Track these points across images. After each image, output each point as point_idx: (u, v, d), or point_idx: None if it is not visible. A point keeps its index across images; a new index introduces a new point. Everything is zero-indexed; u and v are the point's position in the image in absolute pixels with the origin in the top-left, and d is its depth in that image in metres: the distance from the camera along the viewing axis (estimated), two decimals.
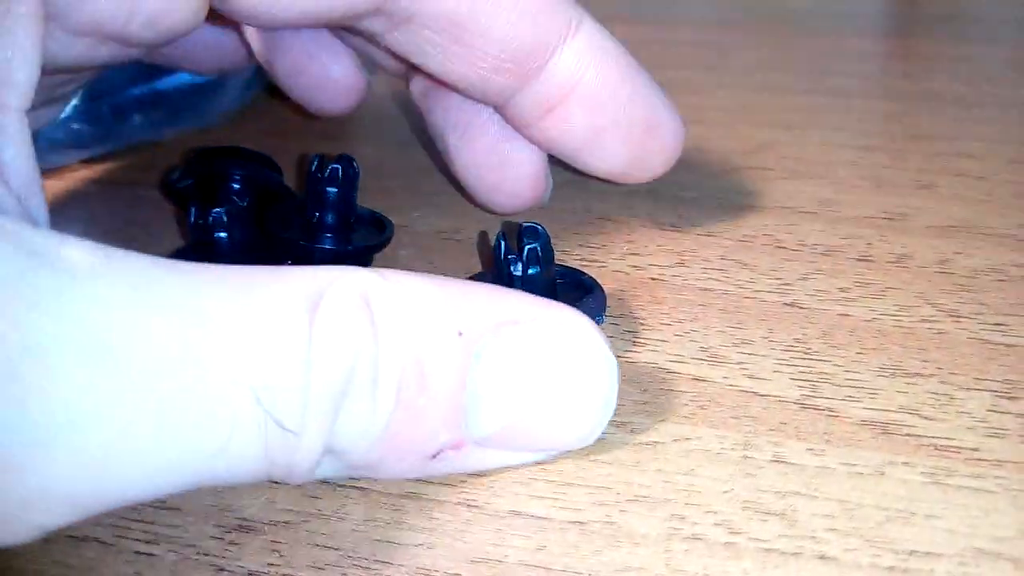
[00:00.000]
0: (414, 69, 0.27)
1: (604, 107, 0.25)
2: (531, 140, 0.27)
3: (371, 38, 0.25)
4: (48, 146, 0.33)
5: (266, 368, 0.16)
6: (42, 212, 0.21)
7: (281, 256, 0.26)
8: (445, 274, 0.26)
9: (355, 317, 0.17)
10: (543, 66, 0.24)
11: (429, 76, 0.26)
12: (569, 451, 0.20)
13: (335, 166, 0.26)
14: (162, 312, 0.16)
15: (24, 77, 0.20)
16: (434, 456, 0.19)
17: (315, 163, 0.26)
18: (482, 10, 0.23)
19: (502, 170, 0.27)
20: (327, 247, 0.26)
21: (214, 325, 0.16)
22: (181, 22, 0.22)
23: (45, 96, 0.24)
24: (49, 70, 0.21)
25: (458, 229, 0.29)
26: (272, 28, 0.24)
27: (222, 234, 0.26)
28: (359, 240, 0.27)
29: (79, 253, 0.16)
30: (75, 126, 0.32)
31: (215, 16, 0.24)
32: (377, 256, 0.27)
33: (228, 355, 0.16)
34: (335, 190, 0.26)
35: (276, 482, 0.18)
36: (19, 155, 0.20)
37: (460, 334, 0.18)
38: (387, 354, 0.17)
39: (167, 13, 0.22)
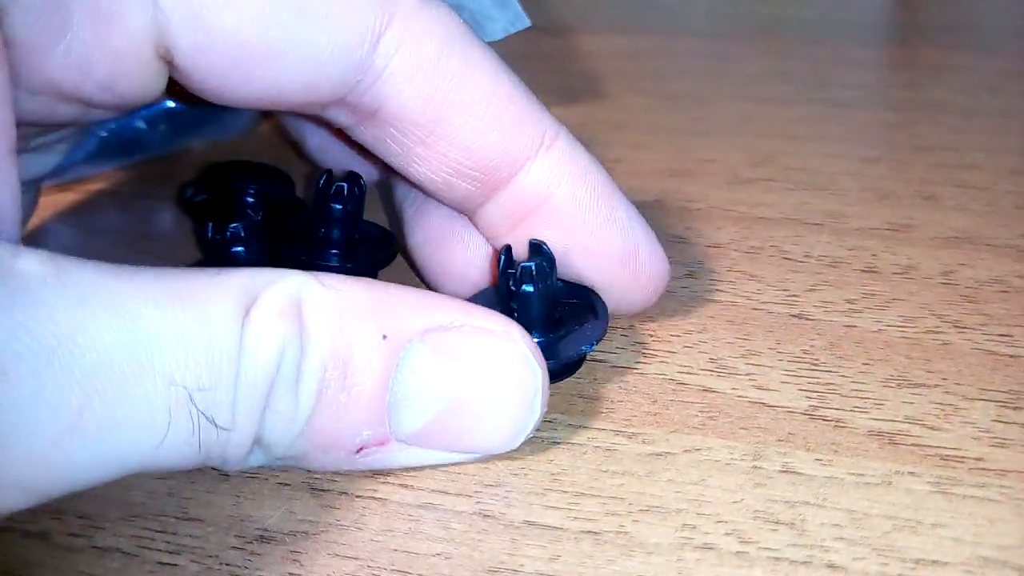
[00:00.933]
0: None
1: (573, 229, 0.23)
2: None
3: (342, 128, 0.24)
4: (81, 157, 0.33)
5: (200, 371, 0.18)
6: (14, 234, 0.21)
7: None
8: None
9: (284, 318, 0.19)
10: (511, 178, 0.23)
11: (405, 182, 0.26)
12: (497, 455, 0.21)
13: (341, 184, 0.26)
14: (105, 319, 0.17)
15: (3, 116, 0.20)
16: (358, 451, 0.20)
17: (322, 180, 0.26)
18: (448, 117, 0.22)
19: (451, 250, 0.26)
20: (332, 264, 0.26)
21: (152, 329, 0.17)
22: (137, 89, 0.22)
23: (34, 143, 0.25)
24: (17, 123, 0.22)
25: None
26: (233, 106, 0.24)
27: (239, 248, 0.26)
28: (363, 256, 0.27)
29: (32, 265, 0.17)
30: (104, 135, 0.33)
31: (178, 89, 0.23)
32: (382, 272, 0.28)
33: (165, 358, 0.17)
34: (341, 207, 0.26)
35: (218, 470, 0.20)
36: (1, 196, 0.20)
37: (385, 337, 0.19)
38: (311, 354, 0.19)
39: (120, 78, 0.22)
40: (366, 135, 0.24)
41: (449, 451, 0.21)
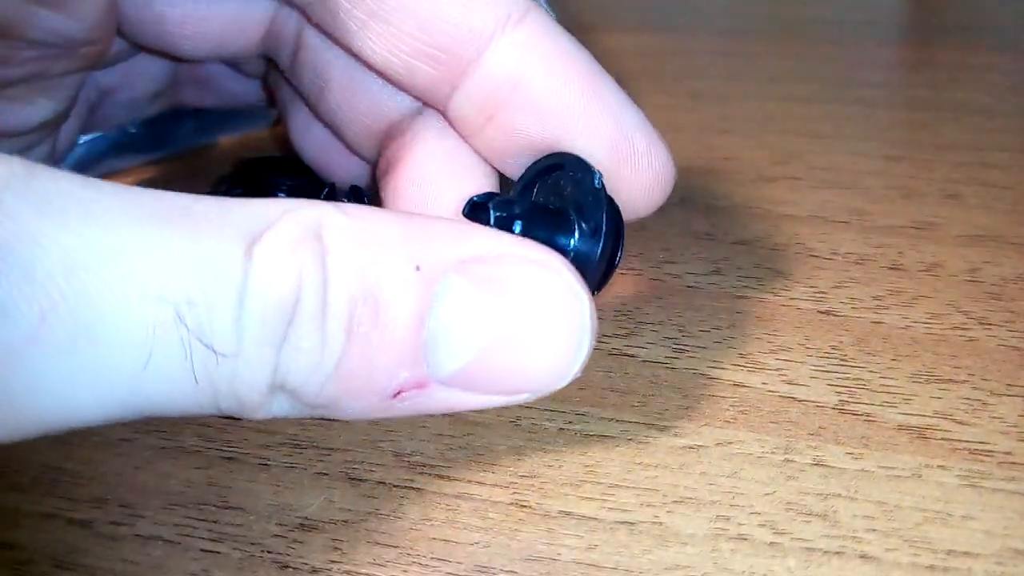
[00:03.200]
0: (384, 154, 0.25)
1: (554, 115, 0.21)
2: (481, 155, 0.23)
3: (303, 8, 0.23)
4: (109, 151, 0.34)
5: (192, 287, 0.16)
6: None
7: None
8: None
9: (303, 246, 0.17)
10: (476, 59, 0.21)
11: (392, 153, 0.24)
12: (550, 392, 0.20)
13: (342, 198, 0.26)
14: (74, 226, 0.16)
15: None
16: (395, 395, 0.18)
17: (324, 193, 0.26)
18: None
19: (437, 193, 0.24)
20: None
21: (130, 241, 0.16)
22: None
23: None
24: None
25: None
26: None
27: None
28: None
29: None
30: (133, 131, 0.33)
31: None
32: None
33: (147, 270, 0.16)
34: None
35: (232, 417, 0.18)
36: None
37: (418, 268, 0.18)
38: (336, 286, 0.17)
39: None
40: (324, 17, 0.22)
41: (494, 393, 0.19)
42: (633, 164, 0.22)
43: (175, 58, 0.28)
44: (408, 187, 0.23)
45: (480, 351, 0.19)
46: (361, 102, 0.25)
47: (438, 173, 0.23)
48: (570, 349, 0.19)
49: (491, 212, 0.20)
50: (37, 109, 0.25)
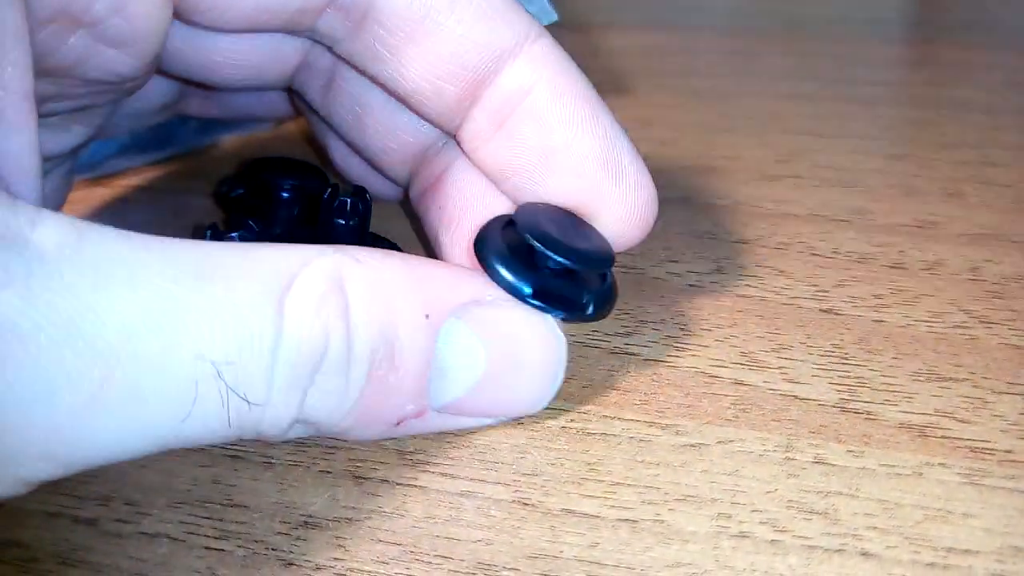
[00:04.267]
0: (415, 173, 0.27)
1: (554, 127, 0.23)
2: (484, 170, 0.24)
3: (331, 46, 0.24)
4: (114, 152, 0.34)
5: (230, 345, 0.18)
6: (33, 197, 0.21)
7: None
8: None
9: (328, 300, 0.19)
10: (497, 74, 0.23)
11: (427, 175, 0.26)
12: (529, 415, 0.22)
13: (345, 199, 0.26)
14: (126, 292, 0.17)
15: (18, 56, 0.20)
16: (398, 423, 0.21)
17: (327, 194, 0.26)
18: (436, 7, 0.22)
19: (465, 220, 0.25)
20: None
21: (175, 305, 0.17)
22: (142, 20, 0.21)
23: (44, 109, 0.24)
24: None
25: None
26: (229, 30, 0.24)
27: None
28: None
29: (50, 233, 0.17)
30: (137, 131, 0.33)
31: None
32: None
33: (190, 332, 0.17)
34: (344, 222, 0.26)
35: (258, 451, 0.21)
36: (18, 142, 0.20)
37: (427, 316, 0.20)
38: (359, 336, 0.19)
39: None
40: (355, 47, 0.23)
41: (481, 416, 0.22)
42: (620, 182, 0.23)
43: (207, 87, 0.28)
44: (448, 210, 0.25)
45: (474, 385, 0.21)
46: (394, 130, 0.26)
47: (473, 196, 0.25)
48: (548, 381, 0.22)
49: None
50: (72, 136, 0.26)
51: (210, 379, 0.18)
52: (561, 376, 0.22)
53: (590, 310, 0.22)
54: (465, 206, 0.25)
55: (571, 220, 0.23)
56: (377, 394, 0.20)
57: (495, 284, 0.21)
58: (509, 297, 0.21)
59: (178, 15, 0.23)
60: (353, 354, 0.19)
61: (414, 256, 0.21)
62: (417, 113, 0.24)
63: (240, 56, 0.25)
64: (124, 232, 0.18)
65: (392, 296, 0.20)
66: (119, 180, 0.35)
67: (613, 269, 0.23)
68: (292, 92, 0.29)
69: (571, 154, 0.23)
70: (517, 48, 0.23)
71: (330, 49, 0.24)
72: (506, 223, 0.23)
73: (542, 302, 0.21)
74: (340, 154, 0.30)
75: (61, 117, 0.25)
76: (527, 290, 0.21)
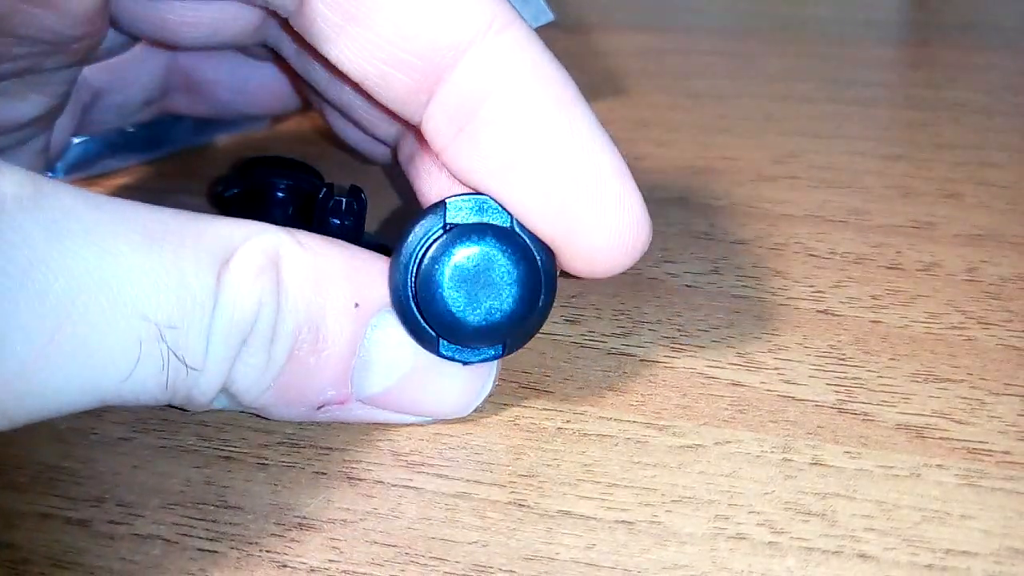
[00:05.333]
0: (403, 134, 0.25)
1: (521, 135, 0.20)
2: (450, 171, 0.22)
3: (287, 18, 0.23)
4: (107, 151, 0.34)
5: (173, 309, 0.18)
6: None
7: None
8: None
9: (263, 275, 0.19)
10: (452, 67, 0.20)
11: (415, 144, 0.24)
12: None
13: (340, 199, 0.25)
14: (79, 247, 0.17)
15: None
16: (319, 408, 0.21)
17: (322, 194, 0.26)
18: None
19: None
20: None
21: (124, 264, 0.18)
22: None
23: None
24: None
25: None
26: None
27: None
28: None
29: (8, 184, 0.17)
30: (131, 130, 0.33)
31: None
32: None
33: (136, 293, 0.18)
34: (339, 222, 0.26)
35: (181, 408, 0.20)
36: None
37: (357, 305, 0.20)
38: (287, 314, 0.19)
39: None
40: (303, 22, 0.22)
41: (403, 413, 0.22)
42: (598, 204, 0.20)
43: (173, 47, 0.28)
44: (436, 171, 0.23)
45: (399, 380, 0.21)
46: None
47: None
48: (475, 387, 0.22)
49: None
50: (29, 105, 0.25)
51: (153, 341, 0.18)
52: (491, 383, 0.22)
53: (441, 348, 0.21)
54: (448, 181, 0.23)
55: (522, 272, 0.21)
56: (298, 374, 0.20)
57: None
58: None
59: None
60: (278, 331, 0.19)
61: (361, 249, 0.21)
62: (370, 99, 0.23)
63: (193, 13, 0.25)
64: (80, 190, 0.18)
65: (324, 281, 0.20)
66: (113, 180, 0.34)
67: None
68: (269, 50, 0.28)
69: (537, 171, 0.20)
70: (478, 39, 0.20)
71: (283, 21, 0.23)
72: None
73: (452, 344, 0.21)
74: (332, 116, 0.29)
75: (12, 84, 0.24)
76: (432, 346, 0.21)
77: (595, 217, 0.20)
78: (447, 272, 0.20)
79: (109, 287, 0.17)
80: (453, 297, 0.20)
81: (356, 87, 0.22)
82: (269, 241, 0.20)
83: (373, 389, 0.21)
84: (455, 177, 0.22)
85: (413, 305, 0.21)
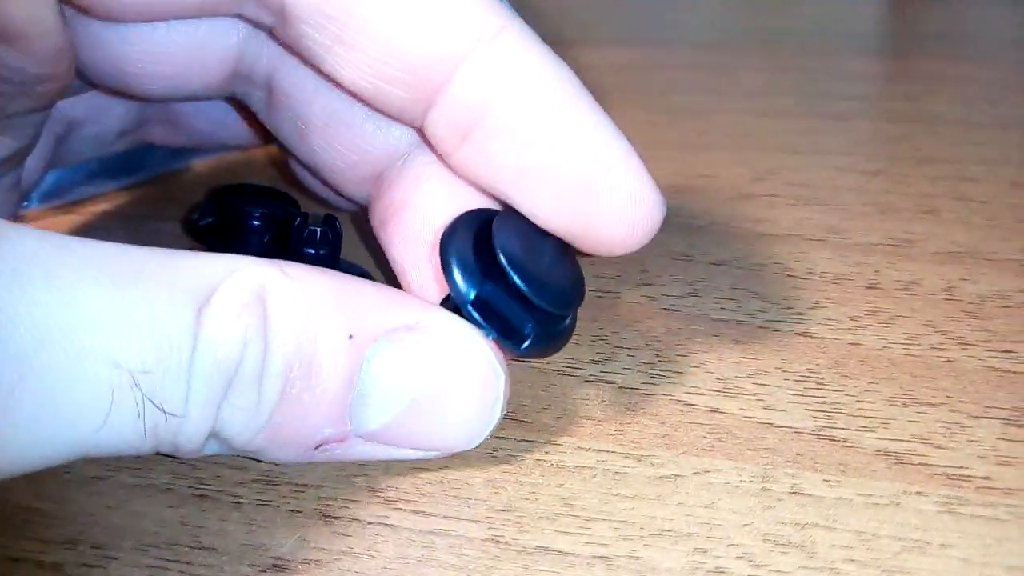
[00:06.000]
0: (374, 195, 0.25)
1: (524, 142, 0.20)
2: (457, 173, 0.23)
3: (271, 35, 0.23)
4: (82, 177, 0.33)
5: (147, 354, 0.17)
6: None
7: None
8: None
9: (248, 311, 0.18)
10: (448, 80, 0.21)
11: (387, 203, 0.24)
12: (462, 454, 0.21)
13: (315, 228, 0.25)
14: (41, 294, 0.17)
15: None
16: (317, 447, 0.20)
17: (296, 223, 0.26)
18: (360, 4, 0.20)
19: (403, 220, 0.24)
20: None
21: (92, 308, 0.17)
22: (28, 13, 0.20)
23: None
24: None
25: None
26: (136, 19, 0.23)
27: None
28: None
29: None
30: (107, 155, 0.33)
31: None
32: None
33: (106, 338, 0.17)
34: (314, 252, 0.25)
35: (172, 456, 0.20)
36: None
37: (351, 337, 0.19)
38: (276, 351, 0.18)
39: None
40: (287, 37, 0.22)
41: (407, 448, 0.21)
42: (610, 199, 0.21)
43: (136, 98, 0.27)
44: (411, 239, 0.23)
45: (399, 413, 0.20)
46: (344, 144, 0.25)
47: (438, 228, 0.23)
48: (482, 418, 0.21)
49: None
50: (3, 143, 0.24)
51: (126, 388, 0.17)
52: (498, 414, 0.21)
53: (525, 344, 0.21)
54: (424, 250, 0.23)
55: (556, 243, 0.22)
56: (292, 413, 0.19)
57: (432, 311, 0.20)
58: (445, 324, 0.20)
59: (69, 2, 0.22)
60: (267, 369, 0.18)
61: (351, 277, 0.20)
62: (371, 108, 0.23)
63: (155, 60, 0.24)
64: (43, 232, 0.18)
65: (315, 313, 0.19)
66: (88, 206, 0.34)
67: (581, 311, 0.22)
68: (238, 105, 0.28)
69: (548, 173, 0.21)
70: (470, 49, 0.20)
71: (271, 33, 0.23)
72: (483, 222, 0.21)
73: (479, 314, 0.20)
74: (300, 170, 0.29)
75: None
76: (470, 295, 0.20)
77: (609, 210, 0.21)
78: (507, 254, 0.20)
79: (75, 334, 0.17)
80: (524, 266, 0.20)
81: (354, 96, 0.22)
82: (254, 275, 0.19)
83: (373, 424, 0.20)
84: (465, 180, 0.23)
85: (496, 293, 0.20)
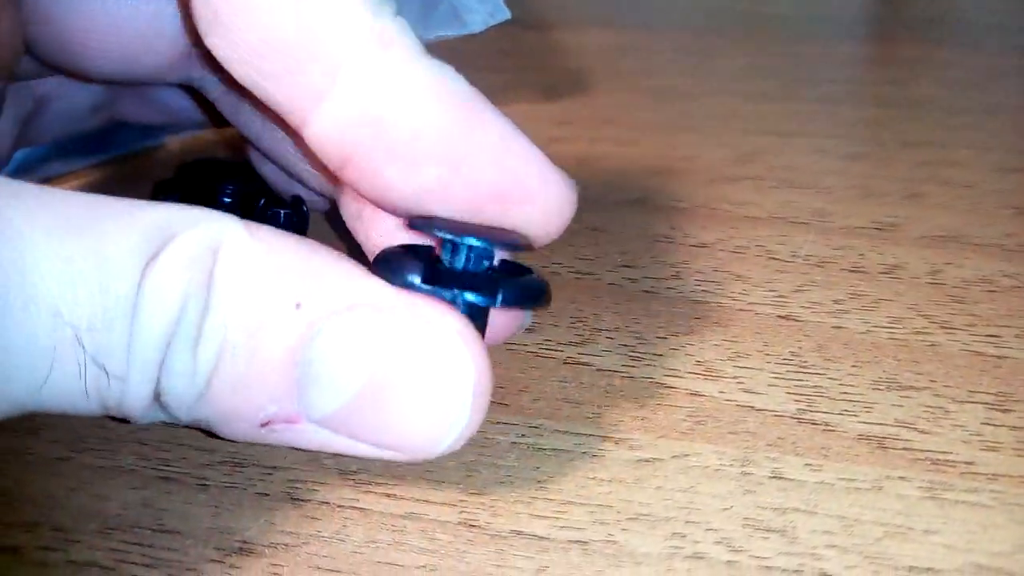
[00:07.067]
0: (343, 188, 0.23)
1: (422, 161, 0.19)
2: (375, 204, 0.21)
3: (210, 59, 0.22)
4: (53, 154, 0.33)
5: (92, 310, 0.16)
6: None
7: None
8: None
9: (193, 267, 0.17)
10: (331, 86, 0.19)
11: (359, 198, 0.22)
12: (427, 459, 0.19)
13: (277, 211, 0.24)
14: None
15: None
16: (263, 425, 0.18)
17: (263, 201, 0.25)
18: None
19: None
20: None
21: (38, 255, 0.16)
22: None
23: None
24: None
25: None
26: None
27: None
28: None
29: None
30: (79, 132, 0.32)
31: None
32: None
33: (50, 289, 0.16)
34: None
35: (116, 419, 0.18)
36: None
37: (298, 306, 0.17)
38: (215, 311, 0.17)
39: None
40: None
41: (368, 443, 0.19)
42: (522, 206, 0.20)
43: (90, 80, 0.27)
44: (391, 229, 0.22)
45: (353, 397, 0.18)
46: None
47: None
48: (449, 412, 0.18)
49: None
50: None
51: (68, 344, 0.16)
52: (467, 413, 0.18)
53: (499, 294, 0.19)
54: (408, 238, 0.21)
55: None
56: (229, 383, 0.18)
57: (401, 293, 0.18)
58: (412, 306, 0.18)
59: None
60: (203, 331, 0.17)
61: (327, 249, 0.18)
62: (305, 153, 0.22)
63: (101, 35, 0.23)
64: (2, 179, 0.17)
65: (264, 277, 0.17)
66: (58, 183, 0.33)
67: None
68: (197, 94, 0.27)
69: (455, 187, 0.19)
70: (350, 59, 0.19)
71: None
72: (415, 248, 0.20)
73: (443, 285, 0.19)
74: (264, 164, 0.28)
75: None
76: (424, 274, 0.19)
77: (523, 213, 0.20)
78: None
79: (19, 282, 0.16)
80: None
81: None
82: (215, 229, 0.17)
83: (324, 409, 0.18)
84: (381, 208, 0.21)
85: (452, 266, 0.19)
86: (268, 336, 0.17)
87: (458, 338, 0.18)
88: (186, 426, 0.19)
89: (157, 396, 0.17)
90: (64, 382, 0.16)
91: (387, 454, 0.19)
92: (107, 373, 0.17)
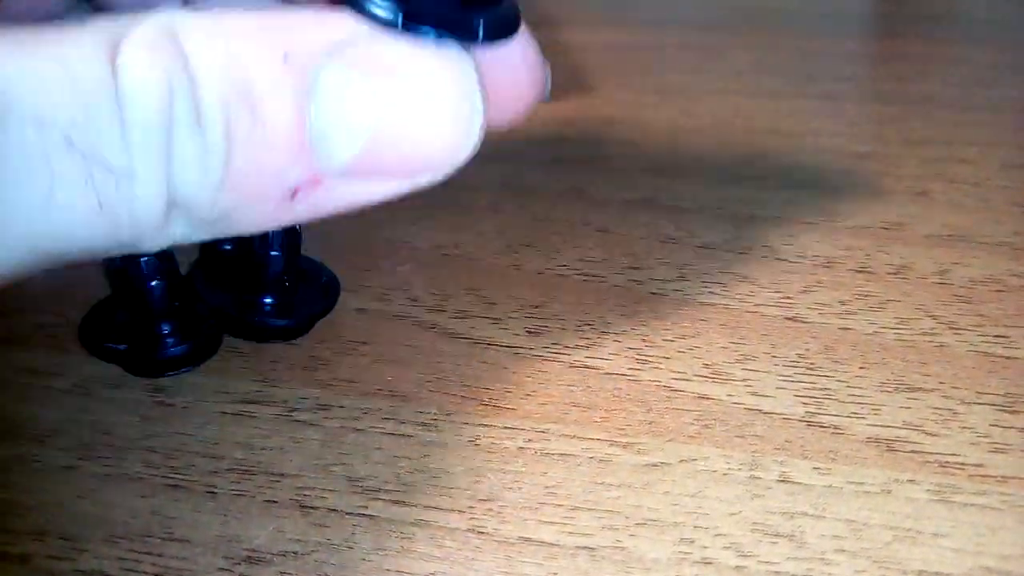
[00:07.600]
0: None
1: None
2: None
3: None
4: None
5: (71, 110, 0.16)
6: None
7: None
8: (445, 291, 0.26)
9: (160, 52, 0.16)
10: None
11: None
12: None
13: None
14: None
15: None
16: (293, 196, 0.18)
17: None
18: None
19: None
20: (264, 321, 0.25)
21: (4, 72, 0.15)
22: None
23: None
24: None
25: (457, 243, 0.29)
26: None
27: (154, 283, 0.24)
28: (301, 308, 0.25)
29: None
30: None
31: None
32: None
33: (24, 99, 0.15)
34: (278, 254, 0.24)
35: (126, 245, 0.17)
36: None
37: (285, 57, 0.17)
38: (205, 85, 0.16)
39: None
40: None
41: (392, 178, 0.18)
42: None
43: None
44: None
45: (371, 137, 0.17)
46: None
47: None
48: (462, 117, 0.18)
49: None
50: None
51: (61, 148, 0.16)
52: (478, 111, 0.18)
53: (480, 30, 0.18)
54: None
55: None
56: (247, 155, 0.17)
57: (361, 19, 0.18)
58: (396, 36, 0.17)
59: None
60: (203, 109, 0.16)
61: (273, 4, 0.18)
62: None
63: None
64: None
65: (237, 39, 0.17)
66: None
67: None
68: None
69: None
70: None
71: None
72: None
73: (418, 23, 0.18)
74: None
75: None
76: (399, 16, 0.18)
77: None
78: None
79: None
80: None
81: None
82: (159, 20, 0.17)
83: (344, 156, 0.17)
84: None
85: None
86: (269, 96, 0.17)
87: (449, 43, 0.18)
88: (206, 240, 0.18)
89: (174, 201, 0.17)
90: (70, 194, 0.16)
91: (422, 179, 0.18)
92: (112, 168, 0.16)
